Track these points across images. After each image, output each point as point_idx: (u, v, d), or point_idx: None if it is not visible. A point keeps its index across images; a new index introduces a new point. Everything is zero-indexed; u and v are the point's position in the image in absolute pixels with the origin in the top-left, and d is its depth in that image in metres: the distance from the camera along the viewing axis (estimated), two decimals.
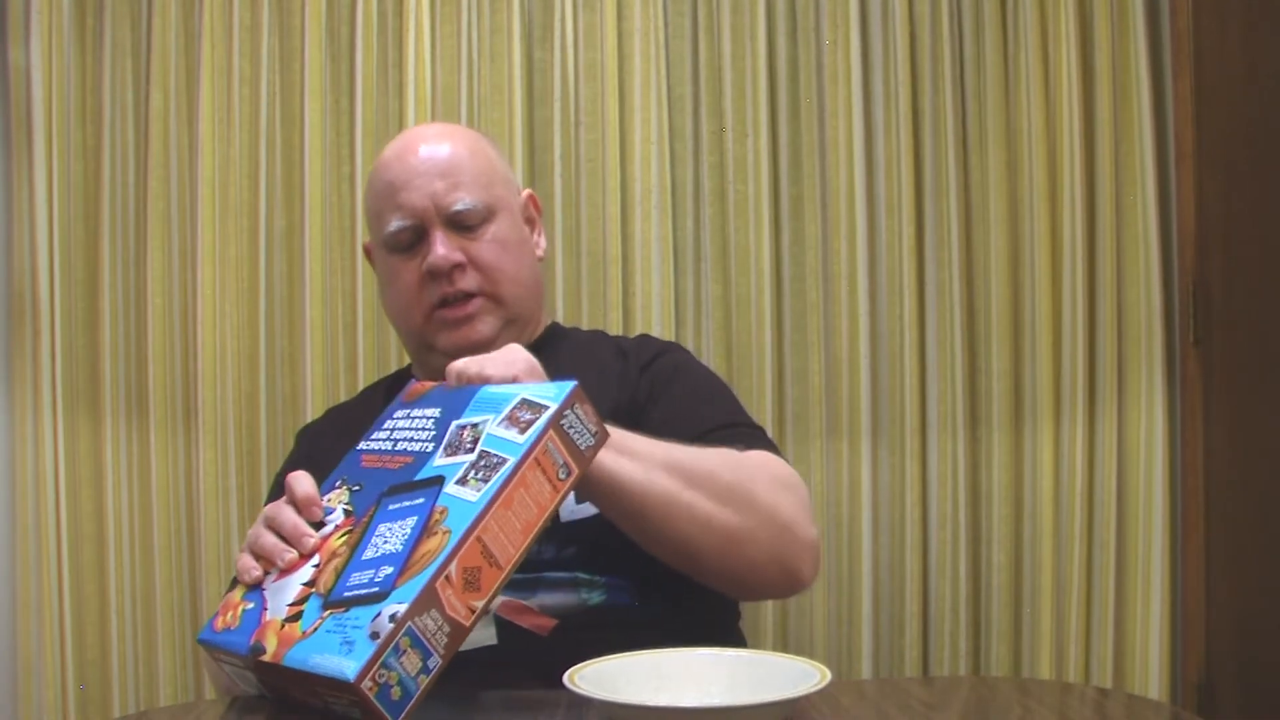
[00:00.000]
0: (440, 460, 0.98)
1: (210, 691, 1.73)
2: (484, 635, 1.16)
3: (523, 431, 0.95)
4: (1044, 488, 1.82)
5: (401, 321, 1.40)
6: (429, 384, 1.11)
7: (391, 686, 0.86)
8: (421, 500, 0.94)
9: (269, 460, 1.82)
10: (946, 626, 1.83)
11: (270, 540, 1.02)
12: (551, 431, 0.95)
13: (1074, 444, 1.81)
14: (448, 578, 0.88)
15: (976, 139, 1.85)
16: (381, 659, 0.85)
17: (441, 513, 0.91)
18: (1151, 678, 1.79)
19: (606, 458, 1.05)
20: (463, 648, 1.07)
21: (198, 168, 1.82)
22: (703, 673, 0.95)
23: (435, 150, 1.38)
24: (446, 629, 0.88)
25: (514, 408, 0.98)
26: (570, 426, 0.97)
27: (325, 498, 1.04)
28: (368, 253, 1.49)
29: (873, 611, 1.83)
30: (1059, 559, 1.82)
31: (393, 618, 0.85)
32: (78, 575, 1.81)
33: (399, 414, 1.09)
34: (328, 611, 0.91)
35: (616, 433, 1.07)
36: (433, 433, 1.02)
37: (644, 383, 1.33)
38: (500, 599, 1.18)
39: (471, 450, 0.96)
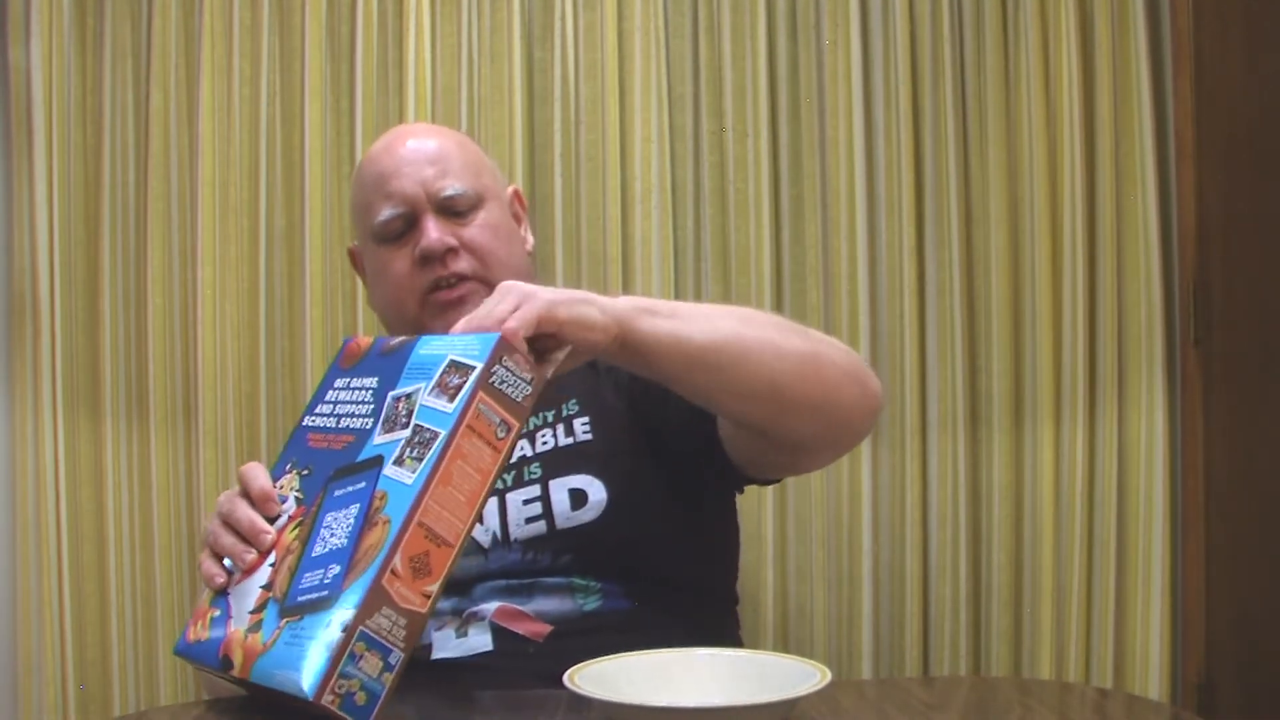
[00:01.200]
0: (379, 438, 0.94)
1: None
2: (479, 642, 1.16)
3: (452, 399, 0.91)
4: (1044, 488, 1.82)
5: (394, 311, 1.38)
6: (365, 341, 1.07)
7: (355, 693, 0.84)
8: (363, 485, 0.92)
9: (269, 460, 1.82)
10: (946, 626, 1.83)
11: (228, 541, 1.01)
12: (481, 393, 0.91)
13: (1074, 444, 1.81)
14: (394, 572, 0.85)
15: (976, 139, 1.85)
16: (338, 670, 0.83)
17: (381, 498, 0.89)
18: (1151, 678, 1.79)
19: (662, 325, 1.04)
20: (458, 655, 1.06)
21: (198, 168, 1.82)
22: (703, 673, 0.95)
23: (423, 142, 1.39)
24: (402, 622, 0.86)
25: (443, 372, 0.94)
26: (502, 382, 0.92)
27: (278, 484, 1.02)
28: (353, 256, 1.49)
29: (873, 611, 1.83)
30: (1059, 559, 1.82)
31: (344, 627, 0.84)
32: (78, 575, 1.81)
33: (339, 383, 1.05)
34: (285, 620, 0.89)
35: (658, 303, 1.07)
36: (371, 405, 0.98)
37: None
38: (496, 605, 1.18)
39: (407, 425, 0.92)
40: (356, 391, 1.01)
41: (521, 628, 1.18)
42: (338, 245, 1.85)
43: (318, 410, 1.05)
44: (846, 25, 1.84)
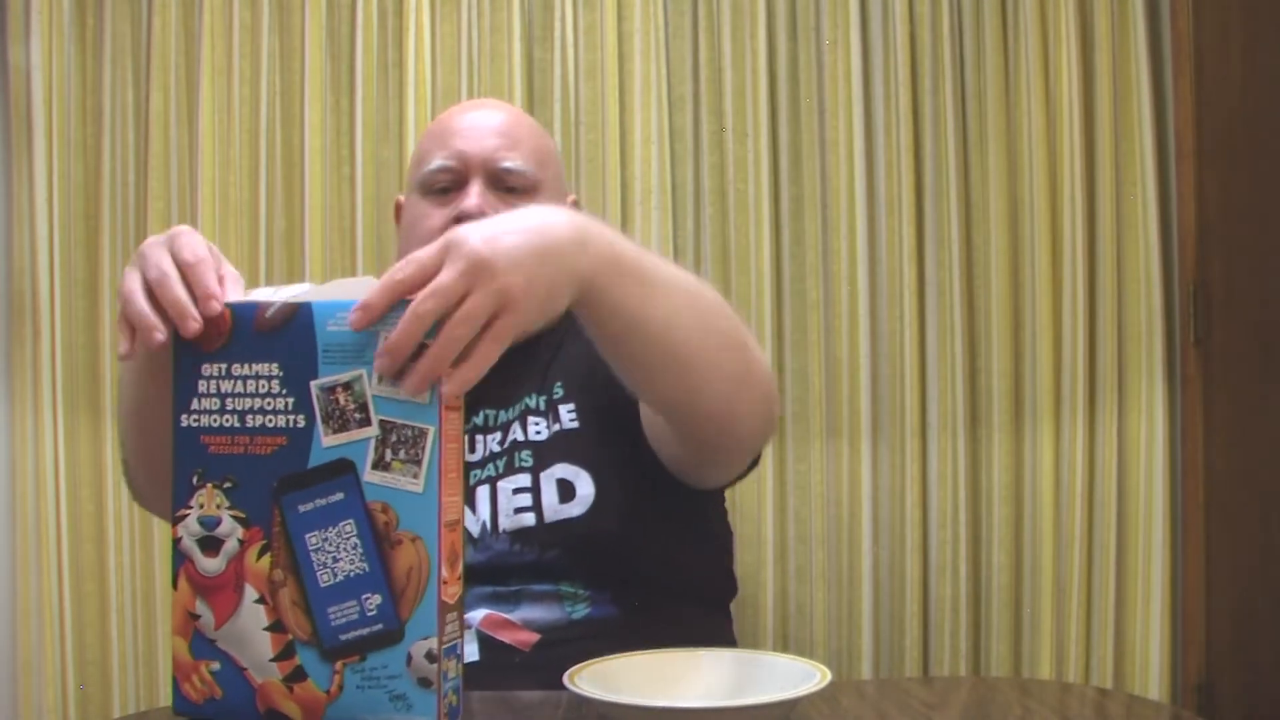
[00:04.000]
0: (331, 439, 0.86)
1: None
2: (466, 651, 1.12)
3: None
4: (1044, 488, 1.82)
5: None
6: (217, 310, 0.90)
7: (451, 702, 0.87)
8: (341, 497, 0.86)
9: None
10: (947, 626, 1.83)
11: (140, 308, 0.87)
12: None
13: (1074, 444, 1.81)
14: (443, 582, 0.85)
15: (976, 139, 1.85)
16: (441, 693, 0.85)
17: (384, 511, 0.85)
18: (1151, 678, 1.79)
19: (630, 296, 0.97)
20: None
21: (198, 168, 1.82)
22: (703, 673, 0.95)
23: (498, 114, 1.35)
24: (456, 615, 0.87)
25: None
26: None
27: (192, 501, 0.90)
28: (397, 208, 1.43)
29: (873, 611, 1.83)
30: (1059, 559, 1.82)
31: (429, 655, 0.84)
32: (78, 575, 1.81)
33: (208, 369, 0.90)
34: (339, 662, 0.86)
35: (633, 260, 0.98)
36: (287, 398, 0.88)
37: None
38: (483, 613, 1.17)
39: (365, 422, 0.85)
40: (251, 382, 0.89)
41: (509, 636, 1.16)
42: (337, 245, 1.85)
43: (196, 407, 0.90)
44: (846, 25, 1.84)
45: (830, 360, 1.85)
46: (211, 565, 0.90)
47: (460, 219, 1.24)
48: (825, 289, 1.85)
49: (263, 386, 0.88)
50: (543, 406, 1.28)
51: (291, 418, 0.87)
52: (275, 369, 0.88)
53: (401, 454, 0.85)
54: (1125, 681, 1.80)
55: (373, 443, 0.85)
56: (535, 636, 1.16)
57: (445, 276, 0.84)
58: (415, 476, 0.85)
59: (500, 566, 1.19)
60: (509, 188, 1.30)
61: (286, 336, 0.88)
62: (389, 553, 0.86)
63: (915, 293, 1.84)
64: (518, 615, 1.17)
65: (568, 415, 1.26)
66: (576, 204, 1.43)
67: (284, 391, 0.88)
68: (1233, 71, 1.75)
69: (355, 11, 1.84)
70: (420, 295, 0.83)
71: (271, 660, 0.88)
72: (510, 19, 1.84)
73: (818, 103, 1.86)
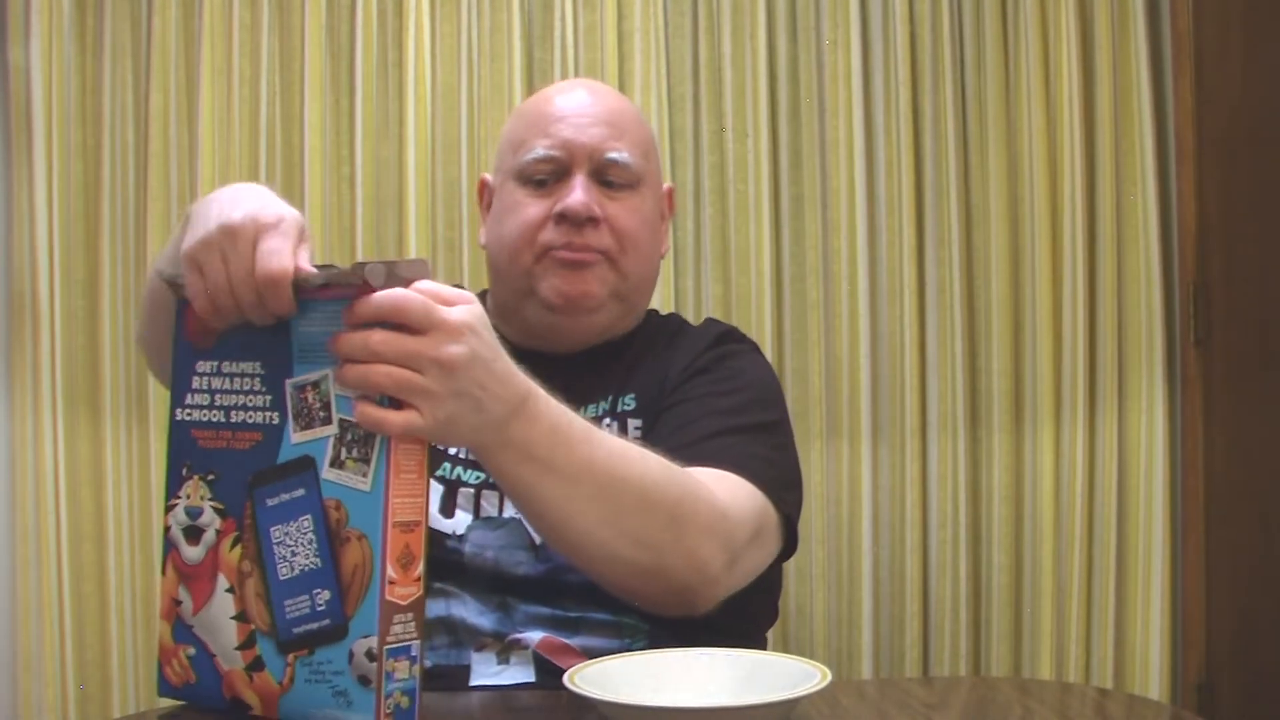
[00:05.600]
0: (298, 436, 0.88)
1: None
2: (521, 673, 1.12)
3: None
4: (1044, 488, 1.82)
5: (507, 259, 1.26)
6: (205, 310, 0.91)
7: (399, 702, 0.86)
8: (302, 492, 0.87)
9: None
10: (947, 626, 1.83)
11: (220, 281, 0.87)
12: None
13: (1074, 444, 1.81)
14: (390, 582, 0.85)
15: (976, 139, 1.85)
16: (383, 693, 0.84)
17: (338, 509, 0.86)
18: (1151, 678, 1.79)
19: (527, 477, 0.95)
20: (499, 683, 1.03)
21: (198, 168, 1.82)
22: (703, 673, 0.95)
23: (603, 100, 1.28)
24: (410, 617, 0.86)
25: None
26: None
27: (181, 494, 0.94)
28: (481, 186, 1.37)
29: (873, 611, 1.83)
30: (1059, 559, 1.82)
31: (369, 654, 0.84)
32: (78, 575, 1.81)
33: (202, 367, 0.94)
34: (292, 655, 0.87)
35: (546, 445, 0.95)
36: (266, 396, 0.90)
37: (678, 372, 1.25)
38: (540, 635, 1.14)
39: (328, 420, 0.86)
40: (237, 379, 0.92)
41: (566, 662, 1.09)
42: (338, 245, 1.85)
43: (190, 402, 0.94)
44: (846, 25, 1.84)
45: (830, 360, 1.84)
46: (193, 554, 0.94)
47: (565, 216, 1.22)
48: (825, 289, 1.85)
49: (246, 384, 0.91)
50: (608, 414, 1.24)
51: (268, 414, 0.90)
52: (258, 367, 0.91)
53: (355, 453, 0.86)
54: (1125, 681, 1.80)
55: (331, 440, 0.87)
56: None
57: (416, 346, 0.84)
58: (364, 475, 0.85)
59: (557, 583, 1.15)
60: (609, 181, 1.25)
61: (267, 335, 0.89)
62: (339, 549, 0.86)
63: (915, 293, 1.84)
64: (576, 642, 1.14)
65: (634, 429, 1.23)
66: (672, 195, 1.39)
67: (263, 389, 0.90)
68: (1233, 71, 1.75)
69: (355, 11, 1.84)
70: (385, 365, 0.84)
71: (236, 649, 0.91)
72: (510, 19, 1.84)
73: (818, 103, 1.85)
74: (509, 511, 1.18)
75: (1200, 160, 1.81)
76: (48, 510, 1.79)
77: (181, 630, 0.94)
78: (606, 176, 1.25)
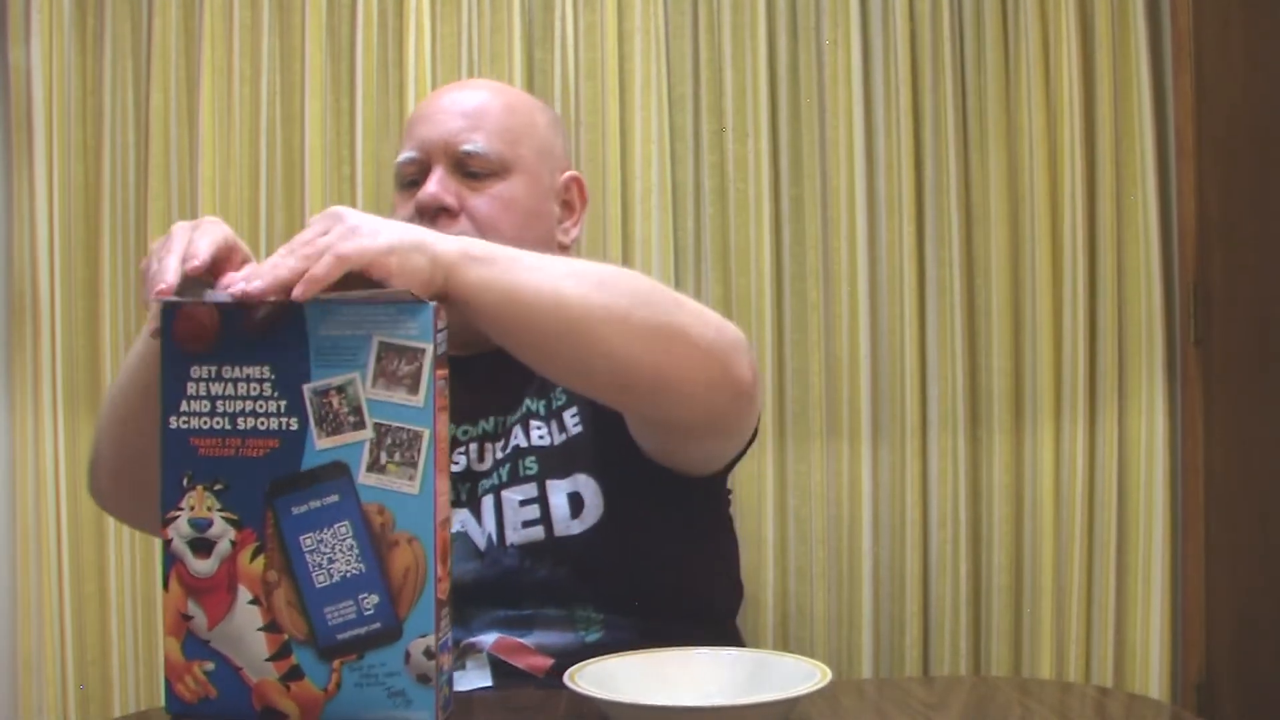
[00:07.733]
0: (324, 442, 0.87)
1: None
2: (477, 676, 1.13)
3: (412, 390, 0.86)
4: (1044, 488, 1.82)
5: None
6: (204, 313, 0.90)
7: (446, 695, 0.89)
8: (336, 499, 0.86)
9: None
10: (947, 626, 1.83)
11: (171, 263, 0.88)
12: (438, 372, 0.87)
13: (1074, 444, 1.81)
14: (438, 580, 0.87)
15: (977, 139, 1.85)
16: (439, 689, 0.87)
17: (380, 512, 0.86)
18: (1151, 678, 1.79)
19: (490, 274, 0.93)
20: (456, 688, 1.04)
21: (198, 168, 1.82)
22: (703, 673, 0.95)
23: (469, 95, 1.31)
24: (447, 610, 0.90)
25: (380, 359, 0.86)
26: (440, 349, 0.88)
27: (182, 503, 0.91)
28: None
29: (873, 611, 1.83)
30: (1059, 559, 1.82)
31: (427, 652, 0.85)
32: (78, 575, 1.81)
33: (197, 372, 0.89)
34: (337, 662, 0.87)
35: (497, 250, 0.96)
36: (279, 400, 0.88)
37: None
38: (494, 637, 1.15)
39: (359, 425, 0.86)
40: (242, 384, 0.89)
41: (521, 661, 1.14)
42: None
43: (186, 409, 0.90)
44: (846, 25, 1.84)
45: (830, 360, 1.84)
46: (203, 567, 0.91)
47: (419, 209, 1.23)
48: (825, 289, 1.85)
49: (254, 389, 0.88)
50: (544, 411, 1.25)
51: (284, 420, 0.88)
52: (267, 371, 0.88)
53: (397, 456, 0.86)
54: (1125, 681, 1.80)
55: (367, 445, 0.86)
56: (549, 661, 1.14)
57: (305, 233, 0.88)
58: (411, 479, 0.86)
59: (510, 585, 1.17)
60: (472, 172, 1.25)
61: (277, 338, 0.88)
62: (385, 553, 0.86)
63: (915, 293, 1.84)
64: (531, 640, 1.15)
65: (572, 420, 1.23)
66: (579, 182, 1.37)
67: (275, 394, 0.88)
68: (1233, 70, 1.75)
69: (355, 11, 1.84)
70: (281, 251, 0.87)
71: (267, 660, 0.89)
72: (510, 19, 1.84)
73: (818, 103, 1.85)
74: (455, 527, 1.18)
75: (1200, 159, 1.81)
76: (48, 510, 1.79)
77: (194, 645, 0.91)
78: (469, 168, 1.26)
